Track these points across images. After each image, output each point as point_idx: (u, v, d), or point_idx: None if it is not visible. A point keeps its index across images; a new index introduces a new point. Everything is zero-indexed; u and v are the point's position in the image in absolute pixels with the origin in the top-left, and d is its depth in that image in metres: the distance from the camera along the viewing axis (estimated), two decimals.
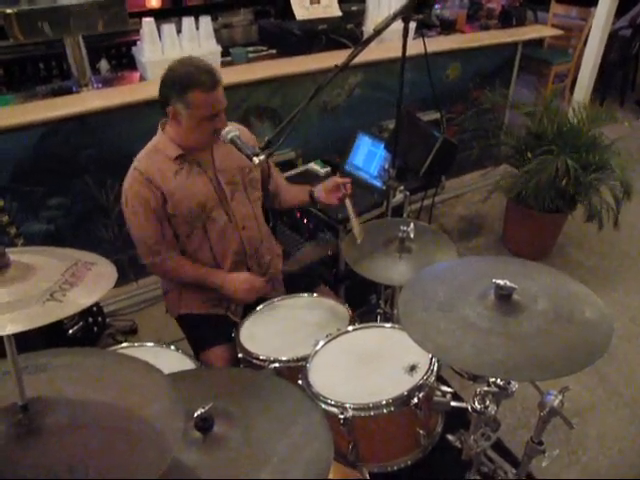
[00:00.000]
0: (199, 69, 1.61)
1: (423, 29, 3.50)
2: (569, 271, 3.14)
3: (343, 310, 1.80)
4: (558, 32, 4.09)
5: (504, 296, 1.12)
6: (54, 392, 0.84)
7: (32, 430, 0.76)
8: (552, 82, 4.89)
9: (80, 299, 0.75)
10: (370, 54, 2.51)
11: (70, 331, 2.29)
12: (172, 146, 1.73)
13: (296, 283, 1.99)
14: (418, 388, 1.37)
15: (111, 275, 0.84)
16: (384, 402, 1.35)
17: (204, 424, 1.04)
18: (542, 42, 5.17)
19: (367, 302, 2.60)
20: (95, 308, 2.46)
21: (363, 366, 1.51)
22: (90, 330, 2.41)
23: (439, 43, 3.43)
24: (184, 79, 1.60)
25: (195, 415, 1.03)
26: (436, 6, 3.70)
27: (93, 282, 0.79)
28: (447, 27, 3.63)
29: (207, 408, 1.03)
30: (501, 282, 1.10)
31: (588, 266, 3.23)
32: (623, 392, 2.40)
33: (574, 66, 4.80)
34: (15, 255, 0.80)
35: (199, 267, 1.83)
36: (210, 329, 1.85)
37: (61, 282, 0.76)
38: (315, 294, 1.90)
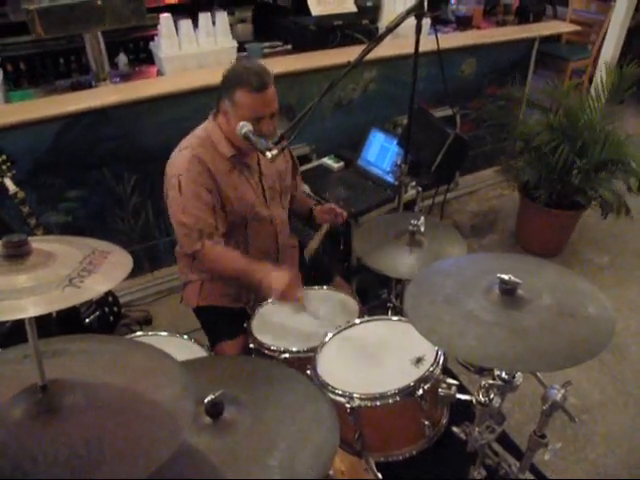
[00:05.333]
0: (249, 70, 1.64)
1: (438, 25, 3.51)
2: (582, 269, 3.13)
3: (353, 303, 1.82)
4: (575, 28, 4.05)
5: (508, 290, 1.14)
6: (71, 375, 0.87)
7: (51, 409, 0.80)
8: (570, 78, 4.83)
9: (97, 286, 0.78)
10: (385, 50, 2.52)
11: (87, 320, 2.34)
12: (226, 144, 1.75)
13: (314, 276, 2.02)
14: (424, 380, 1.40)
15: (127, 264, 0.87)
16: (390, 392, 1.38)
17: (214, 409, 1.07)
18: (560, 37, 5.11)
19: (378, 296, 2.63)
20: (111, 298, 2.51)
21: (370, 357, 1.54)
22: (106, 320, 2.45)
23: (454, 39, 3.43)
24: (234, 77, 1.64)
25: (205, 401, 1.06)
26: (452, 2, 3.69)
27: (109, 270, 0.83)
28: (463, 23, 3.63)
29: (217, 394, 1.06)
30: (505, 277, 1.12)
31: (601, 264, 3.22)
32: (633, 391, 2.39)
33: (592, 62, 4.75)
34: (36, 243, 0.84)
35: (245, 257, 1.79)
36: (227, 322, 1.88)
37: (79, 269, 0.80)
38: (325, 287, 1.93)
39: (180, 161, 1.72)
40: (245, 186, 1.81)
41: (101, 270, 0.81)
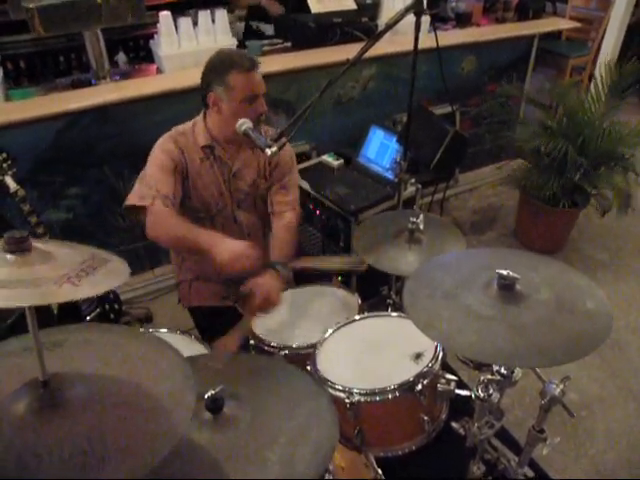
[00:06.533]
0: (237, 53, 1.71)
1: (438, 22, 3.51)
2: (582, 266, 3.14)
3: (352, 300, 1.83)
4: (574, 24, 4.04)
5: (507, 286, 1.14)
6: (72, 368, 0.88)
7: (53, 404, 0.80)
8: (570, 75, 4.83)
9: (93, 287, 0.79)
10: (384, 47, 2.52)
11: (88, 317, 2.35)
12: (204, 134, 1.78)
13: (308, 280, 2.01)
14: (423, 375, 1.41)
15: (124, 272, 0.88)
16: (389, 388, 1.39)
17: (214, 405, 1.08)
18: (560, 34, 5.11)
19: (378, 293, 2.63)
20: (112, 296, 2.52)
21: (370, 353, 1.55)
22: (107, 317, 2.46)
23: (454, 36, 3.43)
24: (223, 63, 1.67)
25: (206, 396, 1.07)
26: None
27: (107, 274, 0.84)
28: (463, 20, 3.63)
29: (217, 390, 1.07)
30: (504, 272, 1.13)
31: (601, 260, 3.22)
32: (633, 386, 2.40)
33: (592, 59, 4.74)
34: (37, 244, 0.84)
35: (194, 225, 1.68)
36: (219, 320, 1.89)
37: (77, 270, 0.81)
38: (326, 284, 1.93)
39: (159, 140, 1.80)
40: (212, 178, 1.82)
41: (99, 274, 0.82)
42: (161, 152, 1.76)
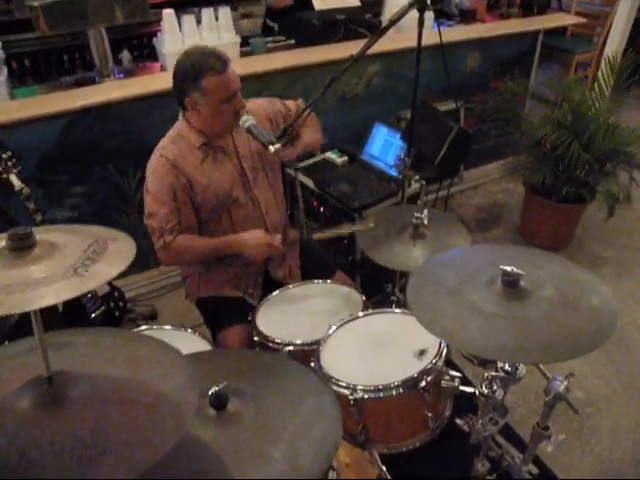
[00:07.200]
0: (206, 55, 1.65)
1: (442, 19, 3.50)
2: (587, 262, 3.13)
3: (357, 296, 1.83)
4: (579, 20, 4.02)
5: (511, 282, 1.13)
6: (76, 367, 0.88)
7: (57, 400, 0.81)
8: (575, 71, 4.81)
9: (101, 274, 0.79)
10: (388, 44, 2.51)
11: (93, 315, 2.36)
12: (195, 134, 1.76)
13: (313, 271, 2.02)
14: (426, 372, 1.41)
15: (130, 249, 0.89)
16: (393, 384, 1.39)
17: (218, 401, 1.08)
18: (565, 30, 5.08)
19: (382, 290, 2.63)
20: (117, 293, 2.53)
21: (374, 350, 1.55)
22: (112, 314, 2.47)
23: (458, 33, 3.41)
24: (194, 67, 1.64)
25: (210, 393, 1.07)
26: None
27: (113, 257, 0.84)
28: (467, 16, 3.61)
29: (221, 386, 1.07)
30: (508, 268, 1.12)
31: (606, 257, 3.20)
32: (639, 384, 2.39)
33: (598, 55, 4.71)
34: (40, 234, 0.84)
35: (210, 238, 1.82)
36: (227, 310, 1.90)
37: (83, 258, 0.81)
38: (329, 280, 1.93)
39: (151, 162, 1.77)
40: (220, 172, 1.80)
41: (105, 258, 0.82)
42: (156, 181, 1.74)
